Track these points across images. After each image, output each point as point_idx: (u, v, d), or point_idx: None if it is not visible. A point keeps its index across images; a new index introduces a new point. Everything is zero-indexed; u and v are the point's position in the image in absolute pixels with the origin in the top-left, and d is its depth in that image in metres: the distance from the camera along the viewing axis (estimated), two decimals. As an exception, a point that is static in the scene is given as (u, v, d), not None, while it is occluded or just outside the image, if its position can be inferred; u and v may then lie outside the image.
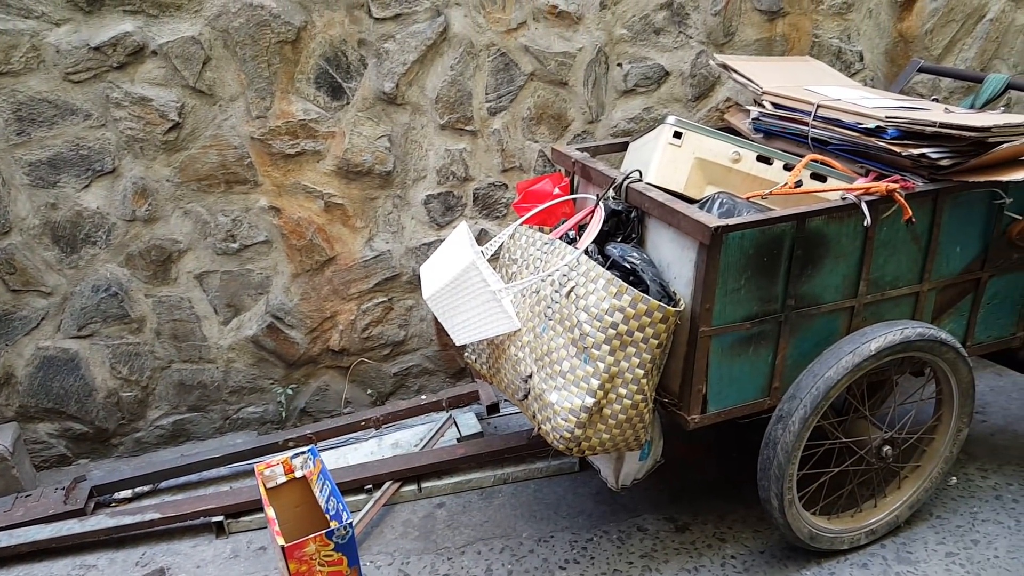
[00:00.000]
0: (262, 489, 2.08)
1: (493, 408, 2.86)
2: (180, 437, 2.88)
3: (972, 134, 1.90)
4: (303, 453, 2.16)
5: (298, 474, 2.17)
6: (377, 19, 2.53)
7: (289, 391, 2.91)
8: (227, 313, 2.75)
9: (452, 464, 2.59)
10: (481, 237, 2.88)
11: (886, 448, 2.22)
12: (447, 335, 2.11)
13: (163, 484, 2.63)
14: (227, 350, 2.80)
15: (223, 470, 2.69)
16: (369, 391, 3.02)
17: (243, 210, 2.62)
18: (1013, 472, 2.65)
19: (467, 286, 1.90)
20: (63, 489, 2.52)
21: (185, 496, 2.58)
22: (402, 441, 2.79)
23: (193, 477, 2.66)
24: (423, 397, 3.01)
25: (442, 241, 2.64)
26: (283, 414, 2.92)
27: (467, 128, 2.76)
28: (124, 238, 2.56)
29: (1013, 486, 2.59)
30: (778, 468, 2.03)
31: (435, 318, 2.92)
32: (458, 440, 2.74)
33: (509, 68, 2.73)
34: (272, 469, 2.13)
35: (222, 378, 2.83)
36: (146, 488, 2.60)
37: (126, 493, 2.57)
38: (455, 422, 2.83)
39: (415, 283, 2.88)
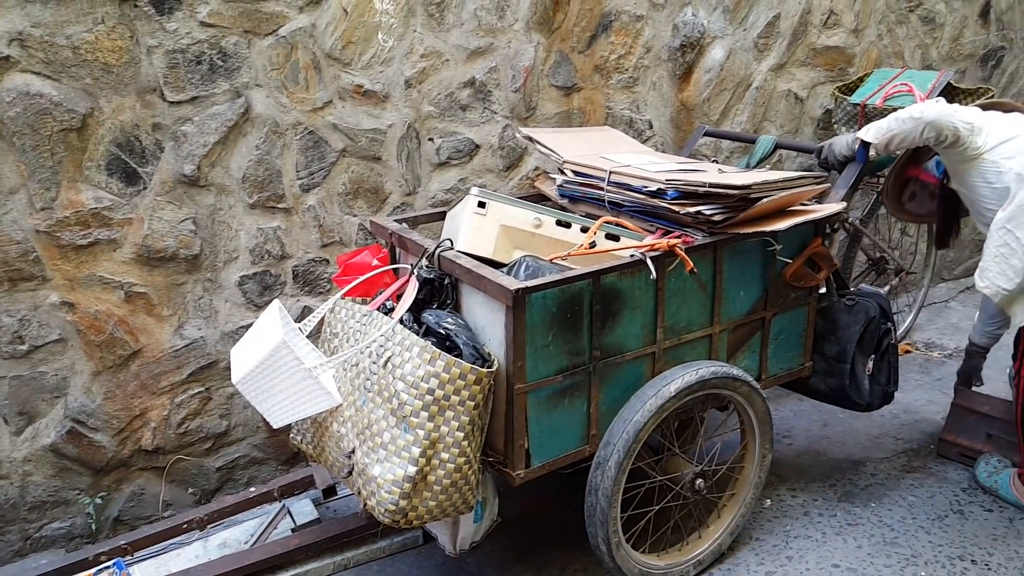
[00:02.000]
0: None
1: (330, 491, 2.76)
2: (-32, 567, 2.56)
3: (736, 192, 2.13)
4: (107, 569, 1.98)
5: (104, 591, 1.98)
6: (172, 103, 2.48)
7: (98, 500, 2.67)
8: (19, 422, 2.51)
9: (287, 557, 2.46)
10: (304, 314, 2.83)
11: (699, 481, 2.36)
12: (271, 421, 2.05)
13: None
14: (22, 463, 2.54)
15: (23, 598, 2.40)
16: (191, 490, 2.83)
17: (31, 308, 2.43)
18: (817, 488, 2.90)
19: (279, 366, 1.87)
20: None
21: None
22: (230, 540, 2.62)
23: (-16, 611, 2.36)
24: (253, 489, 2.85)
25: (259, 323, 2.57)
26: (94, 526, 2.67)
27: (279, 206, 2.73)
28: None
29: (818, 501, 2.82)
30: (602, 513, 2.11)
31: (259, 403, 2.81)
32: (293, 530, 2.62)
33: (319, 145, 2.75)
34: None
35: (18, 494, 2.56)
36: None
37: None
38: (289, 511, 2.70)
39: (234, 369, 2.76)
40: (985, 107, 2.52)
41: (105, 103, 2.39)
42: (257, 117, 2.62)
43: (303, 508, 2.70)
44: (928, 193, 2.92)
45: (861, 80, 3.56)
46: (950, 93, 3.33)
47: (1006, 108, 2.58)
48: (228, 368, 2.75)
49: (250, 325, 2.73)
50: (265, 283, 2.78)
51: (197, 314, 2.69)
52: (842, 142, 2.64)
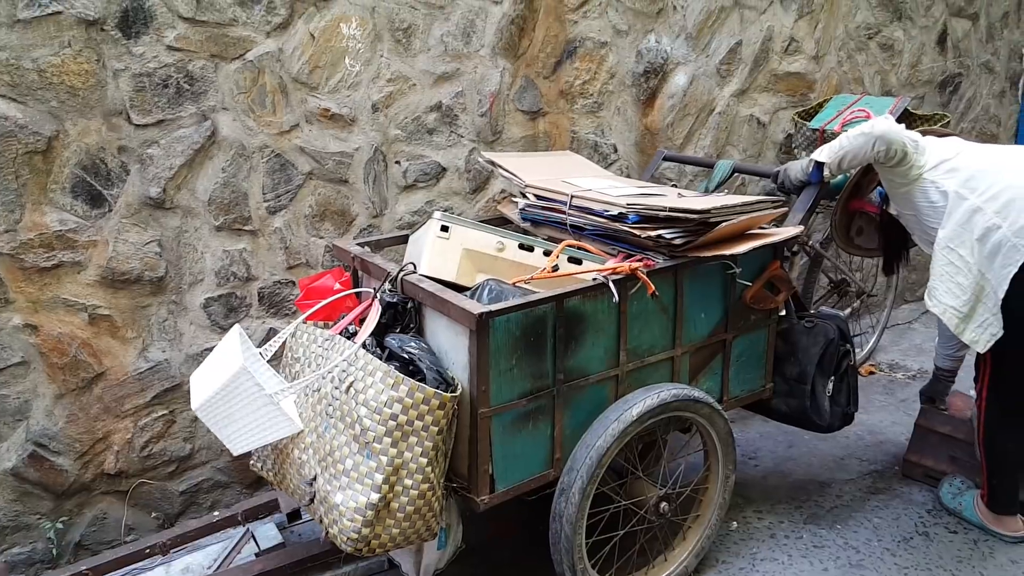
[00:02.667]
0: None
1: (295, 516, 2.74)
2: (-78, 596, 2.50)
3: (696, 216, 2.17)
4: (66, 594, 1.96)
5: (62, 619, 1.95)
6: (138, 126, 2.48)
7: (60, 525, 2.63)
8: (-22, 446, 2.47)
9: (250, 581, 2.44)
10: (270, 336, 2.82)
11: (663, 504, 2.38)
12: (236, 445, 2.04)
13: None
14: (-19, 487, 2.50)
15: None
16: (154, 514, 2.80)
17: (-7, 331, 2.41)
18: (784, 510, 2.93)
19: (239, 392, 1.86)
20: None
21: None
22: (193, 565, 2.59)
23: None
24: (216, 513, 2.83)
25: (224, 346, 2.56)
26: (55, 551, 2.63)
27: (245, 228, 2.73)
28: None
29: (784, 523, 2.85)
30: (566, 540, 2.12)
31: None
32: (257, 555, 2.59)
33: (286, 168, 2.76)
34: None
35: (-23, 520, 2.52)
36: None
37: None
38: (253, 536, 2.68)
39: (199, 392, 2.75)
40: (923, 134, 2.61)
41: (71, 126, 2.39)
42: (224, 140, 2.63)
43: (267, 532, 2.68)
44: (874, 227, 3.00)
45: (820, 106, 3.65)
46: (907, 119, 3.43)
47: (939, 134, 2.68)
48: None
49: (215, 347, 2.73)
50: (230, 305, 2.77)
51: (161, 336, 2.67)
52: (798, 167, 2.70)
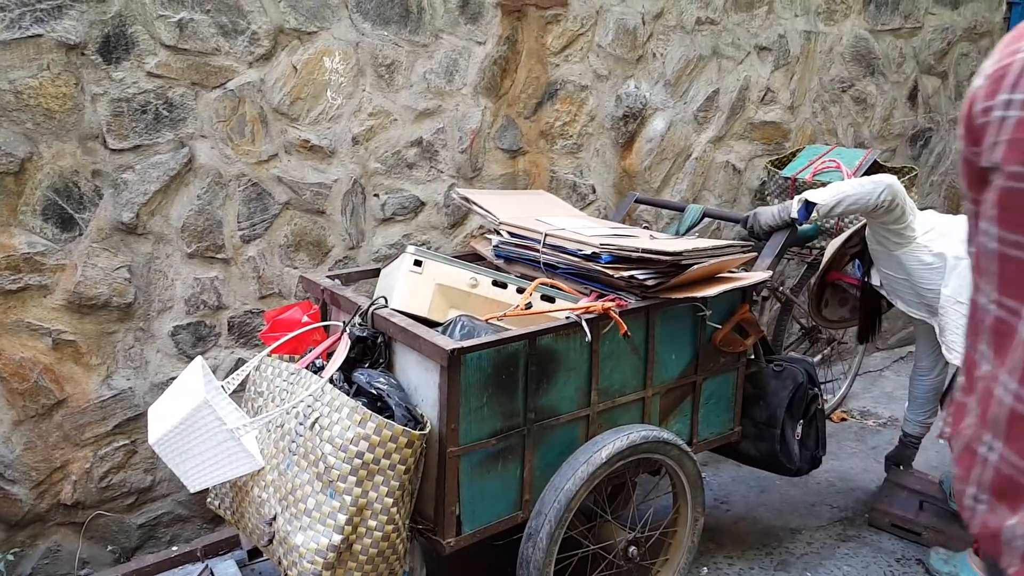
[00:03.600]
0: None
1: (255, 553, 2.65)
2: None
3: (668, 258, 2.19)
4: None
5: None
6: (114, 150, 2.46)
7: (11, 557, 2.54)
8: (-71, 472, 2.40)
9: (206, 619, 2.37)
10: (238, 366, 2.78)
11: (632, 549, 2.35)
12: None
13: None
14: (-71, 516, 2.41)
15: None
16: (111, 548, 2.71)
17: (-49, 353, 2.35)
18: (754, 556, 2.91)
19: (199, 426, 1.81)
20: None
21: None
22: (148, 600, 2.52)
23: None
24: (175, 548, 2.75)
25: (191, 375, 2.52)
26: (3, 584, 2.54)
27: (218, 256, 2.71)
28: None
29: (755, 570, 2.83)
30: (533, 584, 2.08)
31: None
32: (214, 591, 2.53)
33: (262, 197, 2.75)
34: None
35: (-77, 550, 2.43)
36: None
37: None
38: (212, 573, 2.61)
39: (163, 421, 2.69)
40: None
41: (45, 148, 2.36)
42: (200, 167, 2.62)
43: (227, 570, 2.61)
44: (838, 300, 3.16)
45: (793, 155, 3.72)
46: (877, 171, 3.50)
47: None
48: (156, 421, 2.68)
49: (176, 379, 2.67)
50: (199, 334, 2.73)
51: (127, 364, 2.62)
52: (767, 213, 2.74)
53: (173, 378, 2.68)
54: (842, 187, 2.59)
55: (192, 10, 2.50)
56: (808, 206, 2.63)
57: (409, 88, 2.94)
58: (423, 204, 3.08)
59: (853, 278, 3.02)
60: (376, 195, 2.97)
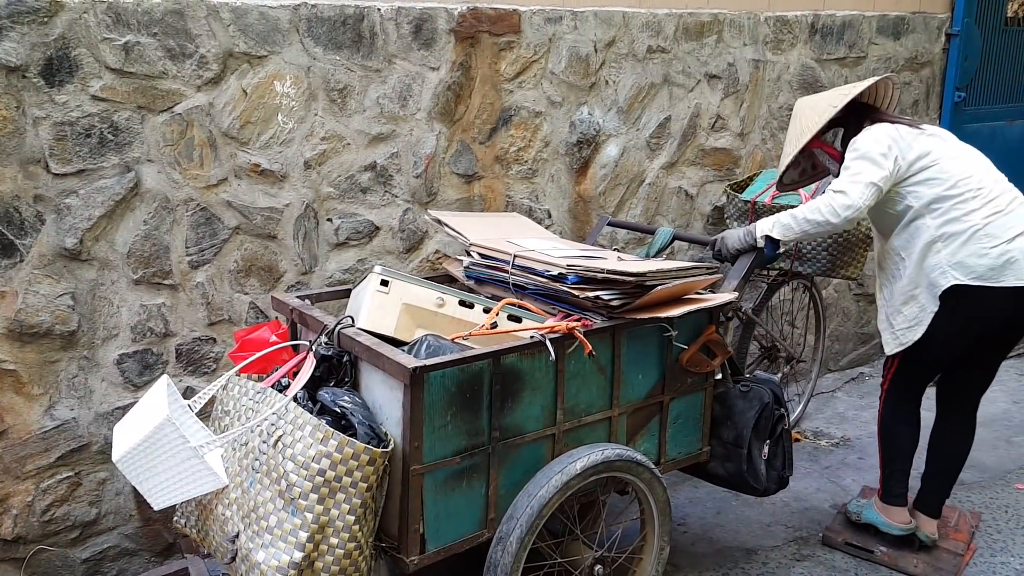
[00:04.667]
0: None
1: (205, 588, 2.56)
2: None
3: (633, 279, 2.21)
4: None
5: None
6: (57, 175, 2.39)
7: (-60, 603, 2.39)
8: None
9: (153, 662, 2.25)
10: (187, 395, 2.69)
11: (598, 567, 2.32)
12: (149, 507, 1.92)
13: None
14: None
15: None
16: (51, 587, 2.57)
17: None
18: (711, 579, 2.90)
19: (163, 444, 1.76)
20: None
21: None
22: (90, 645, 2.38)
23: None
24: (120, 587, 2.62)
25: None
26: (-69, 633, 2.38)
27: (165, 282, 2.63)
28: None
29: (712, 592, 2.83)
30: (500, 594, 2.04)
31: (134, 490, 2.62)
32: (162, 632, 2.41)
33: (211, 222, 2.69)
34: None
35: None
36: None
37: None
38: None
39: (109, 452, 2.58)
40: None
41: (-17, 171, 2.28)
42: (147, 192, 2.55)
43: (176, 607, 2.50)
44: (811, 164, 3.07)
45: (751, 179, 3.82)
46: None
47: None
48: (101, 451, 2.58)
49: (127, 405, 2.58)
50: (146, 362, 2.64)
51: (70, 394, 2.51)
52: (734, 236, 2.79)
53: (119, 408, 2.59)
54: (801, 226, 2.61)
55: (138, 33, 2.46)
56: (774, 243, 2.69)
57: (362, 113, 2.93)
58: (377, 229, 3.06)
59: (835, 150, 2.91)
60: (329, 219, 2.94)
